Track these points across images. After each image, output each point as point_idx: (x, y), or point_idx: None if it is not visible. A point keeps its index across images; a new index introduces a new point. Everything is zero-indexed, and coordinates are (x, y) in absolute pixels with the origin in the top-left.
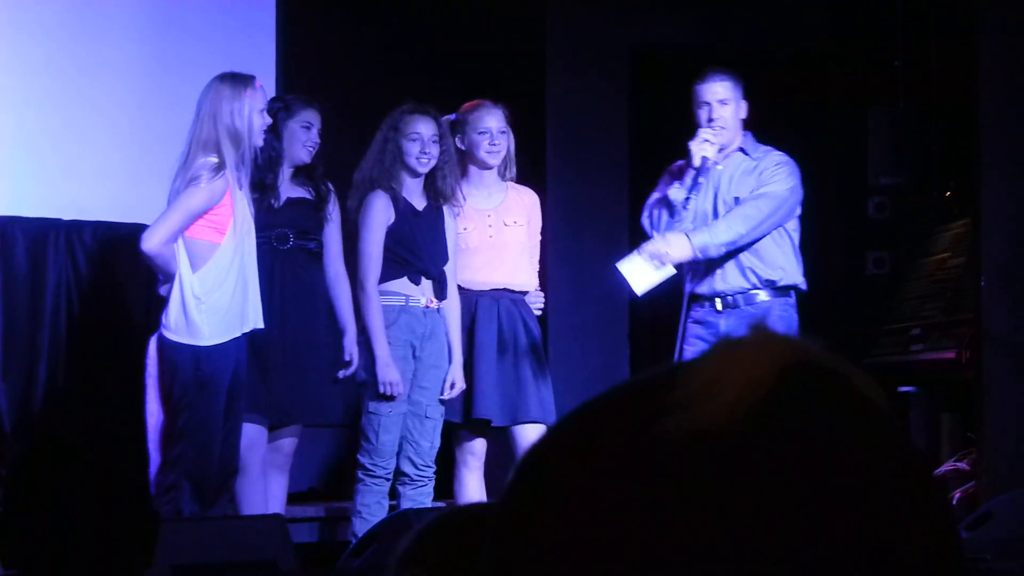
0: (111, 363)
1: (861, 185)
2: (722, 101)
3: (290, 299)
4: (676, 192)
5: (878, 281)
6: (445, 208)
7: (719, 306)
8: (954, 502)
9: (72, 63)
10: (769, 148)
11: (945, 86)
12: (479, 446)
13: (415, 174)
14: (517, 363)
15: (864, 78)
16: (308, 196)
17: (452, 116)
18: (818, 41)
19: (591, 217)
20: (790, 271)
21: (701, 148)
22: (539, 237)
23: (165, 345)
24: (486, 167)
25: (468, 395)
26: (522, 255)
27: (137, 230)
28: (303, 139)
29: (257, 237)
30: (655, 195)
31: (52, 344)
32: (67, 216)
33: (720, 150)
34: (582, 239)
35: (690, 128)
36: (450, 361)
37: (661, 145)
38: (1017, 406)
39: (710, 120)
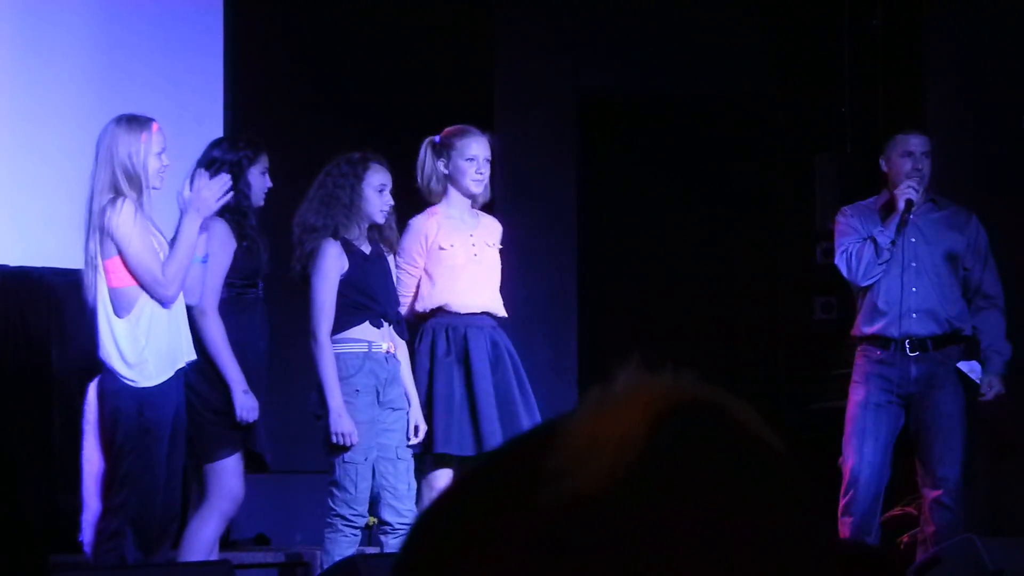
0: (56, 410)
1: (809, 230)
2: (925, 153)
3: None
4: (883, 237)
5: (826, 326)
6: (388, 255)
7: (908, 349)
8: (902, 547)
9: (21, 112)
10: (953, 204)
11: (892, 132)
12: None
13: (372, 223)
14: (510, 393)
15: (812, 124)
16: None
17: (436, 138)
18: (766, 88)
19: (539, 260)
20: (966, 320)
21: (906, 193)
22: None
23: (106, 391)
24: (469, 194)
25: (475, 431)
26: (498, 279)
27: (81, 279)
28: (262, 184)
29: (251, 285)
30: (846, 239)
31: None
32: (13, 263)
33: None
34: (530, 284)
35: (639, 174)
36: (409, 403)
37: (608, 190)
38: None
39: (916, 168)
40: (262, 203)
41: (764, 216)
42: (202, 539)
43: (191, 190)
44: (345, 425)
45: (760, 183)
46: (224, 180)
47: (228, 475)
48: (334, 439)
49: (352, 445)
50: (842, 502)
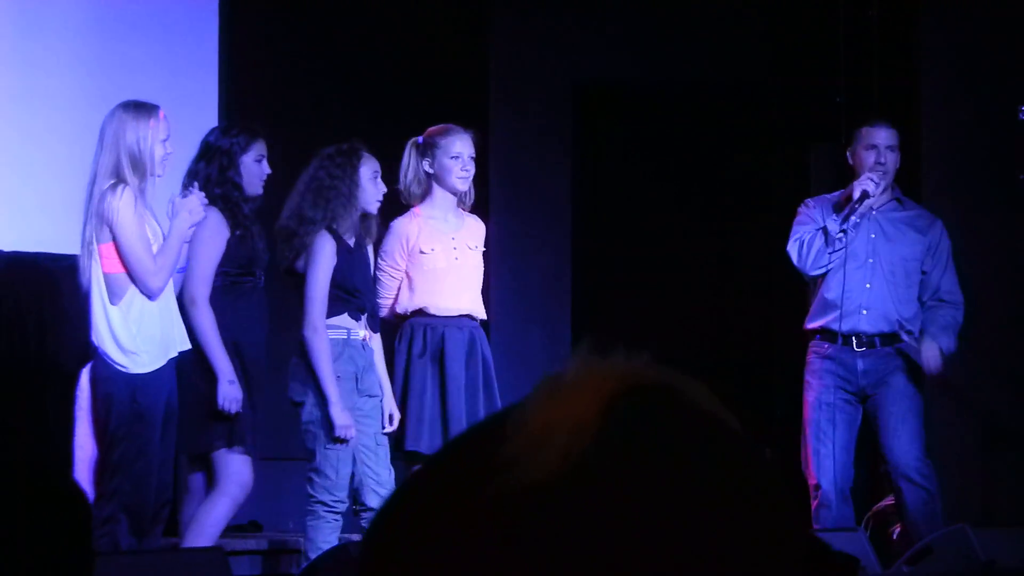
0: (49, 396)
1: None
2: (890, 147)
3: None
4: (833, 224)
5: None
6: (368, 245)
7: (855, 344)
8: (894, 536)
9: (15, 98)
10: (920, 207)
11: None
12: None
13: (366, 212)
14: (483, 397)
15: (807, 114)
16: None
17: (419, 139)
18: (761, 77)
19: (534, 251)
20: (918, 323)
21: (863, 184)
22: None
23: (99, 377)
24: (455, 192)
25: (444, 430)
26: (480, 281)
27: (77, 263)
28: (258, 172)
29: (248, 274)
30: (802, 228)
31: None
32: (6, 248)
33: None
34: (525, 273)
35: (633, 163)
36: (382, 391)
37: (603, 179)
38: (957, 442)
39: (878, 163)
40: (260, 191)
41: (759, 206)
42: (211, 523)
43: (172, 214)
44: (345, 418)
45: (755, 173)
46: (197, 196)
47: (236, 461)
48: (336, 431)
49: (351, 438)
50: (812, 507)
